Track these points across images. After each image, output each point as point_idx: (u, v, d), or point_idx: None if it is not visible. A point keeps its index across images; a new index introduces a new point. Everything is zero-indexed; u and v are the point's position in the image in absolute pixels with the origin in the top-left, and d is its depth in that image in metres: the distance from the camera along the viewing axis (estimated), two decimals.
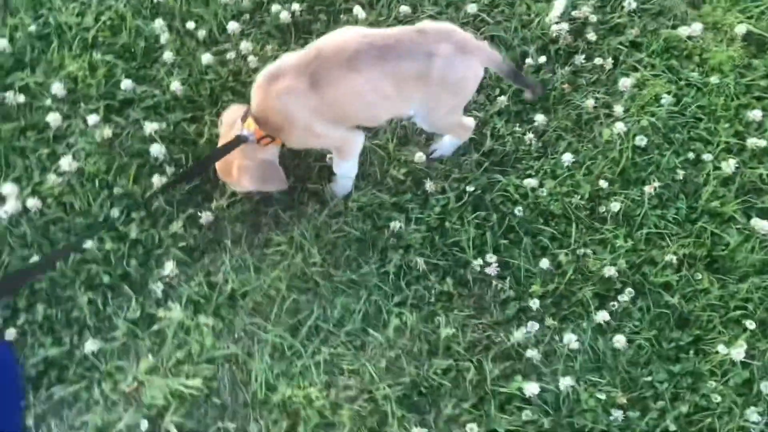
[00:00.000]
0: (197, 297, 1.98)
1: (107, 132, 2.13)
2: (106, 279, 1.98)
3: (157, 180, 2.06)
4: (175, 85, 2.18)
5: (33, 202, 2.02)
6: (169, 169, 2.08)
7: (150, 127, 2.12)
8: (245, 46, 2.25)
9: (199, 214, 2.08)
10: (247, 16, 2.34)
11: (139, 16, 2.32)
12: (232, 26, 2.28)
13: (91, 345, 1.91)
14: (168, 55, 2.23)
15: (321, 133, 1.87)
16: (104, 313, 1.97)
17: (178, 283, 2.01)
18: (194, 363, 1.92)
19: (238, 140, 1.86)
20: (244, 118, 1.86)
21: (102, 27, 2.30)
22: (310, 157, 2.17)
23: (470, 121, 2.09)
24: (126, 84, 2.18)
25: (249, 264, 2.04)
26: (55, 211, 2.04)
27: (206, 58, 2.22)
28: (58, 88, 2.17)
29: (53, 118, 2.12)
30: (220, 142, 1.93)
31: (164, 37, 2.26)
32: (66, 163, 2.06)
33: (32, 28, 2.28)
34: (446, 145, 2.17)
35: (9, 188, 2.01)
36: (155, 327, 1.95)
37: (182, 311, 1.96)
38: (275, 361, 1.94)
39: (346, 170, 2.05)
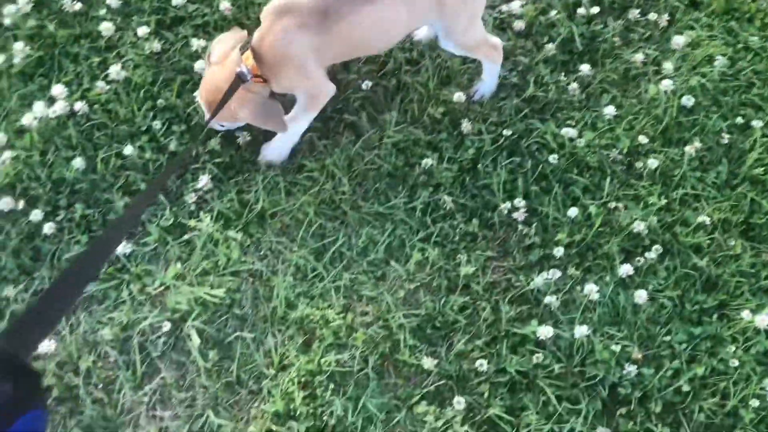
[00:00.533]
0: (228, 212, 2.04)
1: (156, 45, 2.18)
2: (143, 186, 2.05)
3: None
4: (225, 5, 2.21)
5: (80, 106, 2.09)
6: None
7: (197, 44, 2.16)
8: None
9: (237, 134, 2.12)
10: None
11: None
12: None
13: (123, 247, 1.99)
14: None
15: (312, 76, 1.87)
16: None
17: (212, 198, 2.06)
18: (219, 274, 1.98)
19: (239, 80, 1.82)
20: (243, 49, 1.84)
21: None
22: (348, 88, 2.18)
23: (497, 40, 2.08)
24: (178, 1, 2.22)
25: (281, 186, 2.08)
26: (100, 117, 2.11)
27: None
28: None
29: (106, 28, 2.18)
30: (207, 72, 1.91)
31: None
32: (115, 71, 2.12)
33: None
34: (487, 82, 2.15)
35: (59, 90, 2.08)
36: (185, 236, 2.02)
37: (213, 224, 2.01)
38: (297, 281, 1.98)
39: (303, 126, 2.02)
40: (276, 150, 2.09)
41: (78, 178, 2.05)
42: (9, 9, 2.21)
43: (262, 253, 2.02)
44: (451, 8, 1.87)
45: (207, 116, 1.93)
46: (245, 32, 1.92)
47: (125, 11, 2.24)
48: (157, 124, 2.11)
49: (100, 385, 1.87)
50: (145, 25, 2.20)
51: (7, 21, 2.20)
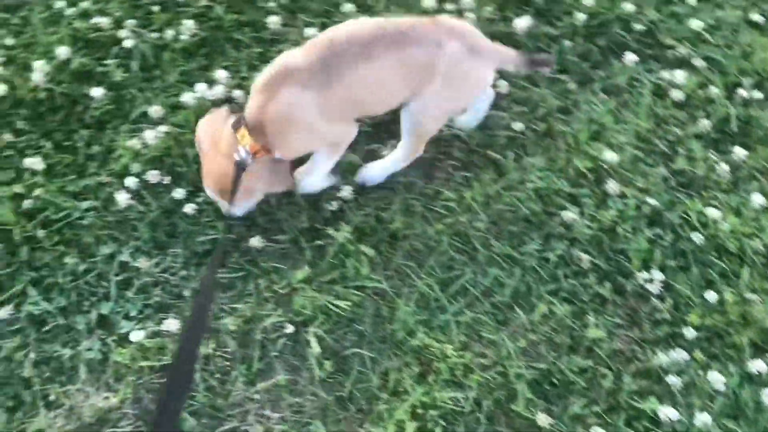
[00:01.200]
0: (364, 226, 2.04)
1: None
2: None
3: None
4: None
5: (238, 94, 2.11)
6: None
7: None
8: (468, 1, 2.26)
9: (382, 146, 2.12)
10: None
11: None
12: None
13: (256, 241, 2.00)
14: None
15: (325, 132, 1.81)
16: (275, 216, 2.05)
17: (349, 209, 2.06)
18: (346, 286, 1.97)
19: (241, 168, 1.74)
20: (236, 126, 1.75)
21: None
22: (498, 126, 2.18)
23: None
24: (347, 7, 2.24)
25: (416, 210, 2.08)
26: None
27: (428, 2, 2.24)
28: None
29: (272, 21, 2.20)
30: (206, 160, 1.83)
31: None
32: None
33: None
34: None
35: (222, 74, 2.11)
36: (318, 242, 2.02)
37: (348, 235, 2.01)
38: (420, 309, 1.97)
39: (329, 166, 1.97)
40: (311, 183, 2.00)
41: None
42: None
43: (389, 273, 2.01)
44: (439, 91, 1.80)
45: (222, 204, 1.88)
46: (227, 110, 1.85)
47: (294, 7, 2.27)
48: None
49: (216, 374, 1.88)
50: (311, 26, 2.22)
51: None
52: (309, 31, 2.20)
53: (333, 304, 1.95)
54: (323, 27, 2.25)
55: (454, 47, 1.76)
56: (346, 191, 2.05)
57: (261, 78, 1.77)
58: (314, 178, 1.99)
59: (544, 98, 2.22)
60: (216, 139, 1.80)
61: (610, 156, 2.14)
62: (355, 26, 1.76)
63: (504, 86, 2.21)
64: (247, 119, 1.75)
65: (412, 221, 2.07)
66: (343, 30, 1.77)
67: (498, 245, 2.05)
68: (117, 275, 1.95)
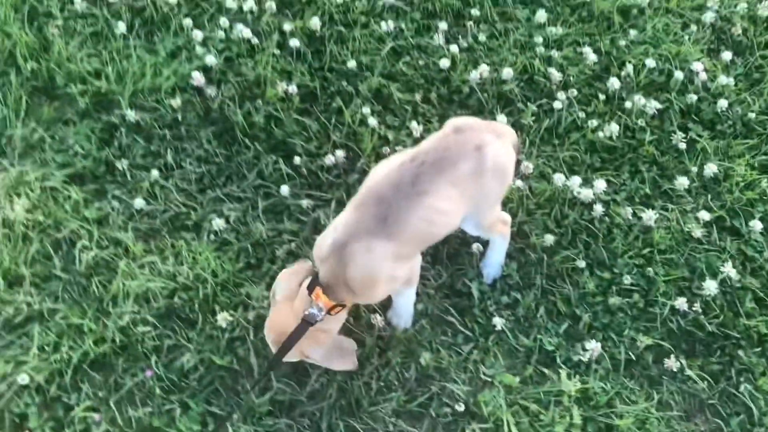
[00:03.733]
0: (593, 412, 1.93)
1: None
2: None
3: None
4: None
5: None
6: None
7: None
8: None
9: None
10: None
11: None
12: None
13: (500, 322, 2.02)
14: None
15: (401, 275, 1.81)
16: (533, 320, 2.05)
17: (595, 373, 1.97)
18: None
19: (308, 323, 1.73)
20: (310, 288, 1.74)
21: None
22: None
23: (507, 215, 2.05)
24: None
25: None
26: None
27: None
28: None
29: None
30: (273, 310, 1.83)
31: None
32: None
33: None
34: (494, 260, 2.10)
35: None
36: (544, 385, 1.96)
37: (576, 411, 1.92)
38: None
39: (411, 296, 2.00)
40: (404, 315, 2.04)
41: None
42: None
43: None
44: (489, 187, 1.81)
45: (274, 351, 1.82)
46: (310, 264, 1.84)
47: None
48: None
49: (381, 381, 1.96)
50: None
51: None
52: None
53: (508, 424, 1.88)
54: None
55: (490, 139, 1.77)
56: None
57: (329, 244, 1.73)
58: (406, 316, 2.04)
59: None
60: (292, 292, 1.82)
61: None
62: (391, 171, 1.74)
63: None
64: (323, 281, 1.74)
65: None
66: (382, 180, 1.74)
67: None
68: None
